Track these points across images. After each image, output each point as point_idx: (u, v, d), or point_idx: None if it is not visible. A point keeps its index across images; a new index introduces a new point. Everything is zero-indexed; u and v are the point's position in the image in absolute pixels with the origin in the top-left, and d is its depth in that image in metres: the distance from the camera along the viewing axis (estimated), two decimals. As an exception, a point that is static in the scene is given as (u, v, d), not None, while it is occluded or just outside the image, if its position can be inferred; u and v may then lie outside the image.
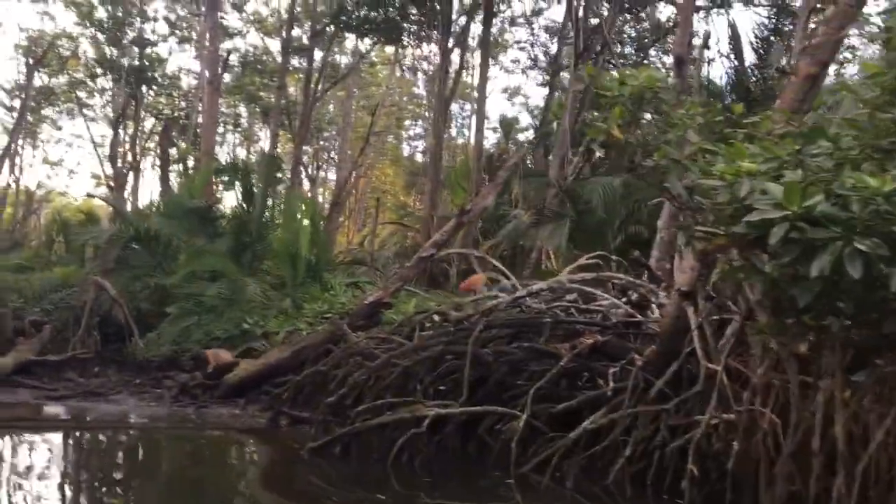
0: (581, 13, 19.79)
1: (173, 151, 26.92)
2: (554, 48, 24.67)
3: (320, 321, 11.84)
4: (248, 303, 13.14)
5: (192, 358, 11.99)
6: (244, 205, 17.24)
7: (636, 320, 7.56)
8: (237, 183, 18.23)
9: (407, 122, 44.76)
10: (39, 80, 34.16)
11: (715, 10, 20.71)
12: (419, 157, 46.95)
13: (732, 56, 17.47)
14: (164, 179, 21.41)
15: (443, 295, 12.42)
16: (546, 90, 25.81)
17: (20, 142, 37.20)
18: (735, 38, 17.48)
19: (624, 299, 8.15)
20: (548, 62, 25.46)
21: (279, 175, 16.81)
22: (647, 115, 5.06)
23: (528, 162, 20.39)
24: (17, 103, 37.11)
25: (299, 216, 14.20)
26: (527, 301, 8.43)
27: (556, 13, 39.28)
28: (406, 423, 6.75)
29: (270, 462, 7.67)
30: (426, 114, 44.15)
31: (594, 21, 20.15)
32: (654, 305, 7.69)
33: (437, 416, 6.75)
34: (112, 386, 10.63)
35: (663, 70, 15.45)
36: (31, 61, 30.30)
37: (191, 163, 22.86)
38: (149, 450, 8.10)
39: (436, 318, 9.14)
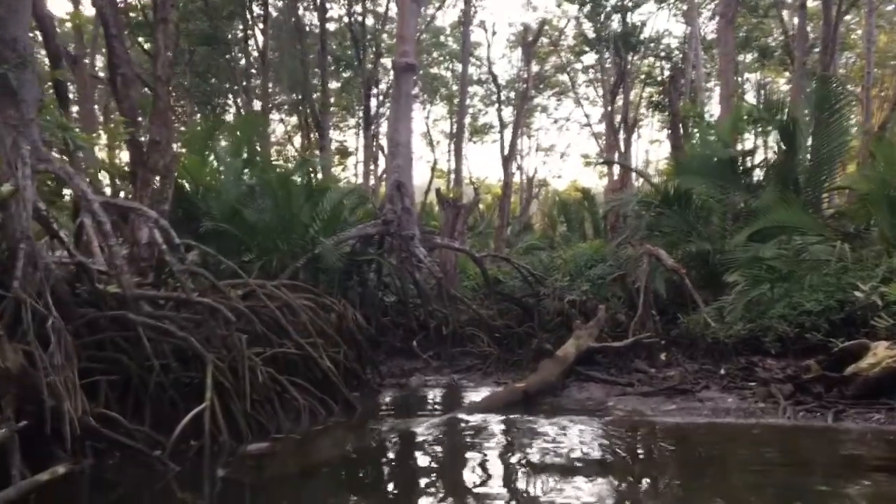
0: None
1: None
2: None
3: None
4: (834, 264, 9.97)
5: (778, 339, 9.28)
6: (784, 148, 14.11)
7: None
8: (771, 124, 15.24)
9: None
10: (530, 68, 35.26)
11: None
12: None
13: None
14: (675, 135, 19.19)
15: None
16: None
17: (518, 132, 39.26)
18: None
19: None
20: None
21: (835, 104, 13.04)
22: None
23: None
24: (512, 95, 39.32)
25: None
26: None
27: None
28: None
29: None
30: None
31: None
32: None
33: None
34: (693, 378, 8.45)
35: None
36: (526, 50, 31.14)
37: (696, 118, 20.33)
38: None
39: None
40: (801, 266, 10.35)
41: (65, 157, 7.07)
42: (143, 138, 10.68)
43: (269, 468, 5.48)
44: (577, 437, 6.41)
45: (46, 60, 8.79)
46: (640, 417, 7.11)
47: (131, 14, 22.65)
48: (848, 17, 30.64)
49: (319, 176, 17.86)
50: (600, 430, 6.63)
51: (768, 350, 9.30)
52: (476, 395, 8.53)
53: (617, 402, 7.77)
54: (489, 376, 9.80)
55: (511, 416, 7.06)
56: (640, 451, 6.28)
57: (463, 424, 6.83)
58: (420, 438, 6.42)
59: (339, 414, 7.05)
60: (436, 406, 8.31)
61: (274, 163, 14.46)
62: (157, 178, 10.15)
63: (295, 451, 5.90)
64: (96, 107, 25.26)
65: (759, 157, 15.93)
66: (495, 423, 6.89)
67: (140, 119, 11.25)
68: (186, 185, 13.52)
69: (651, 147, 46.52)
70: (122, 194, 10.72)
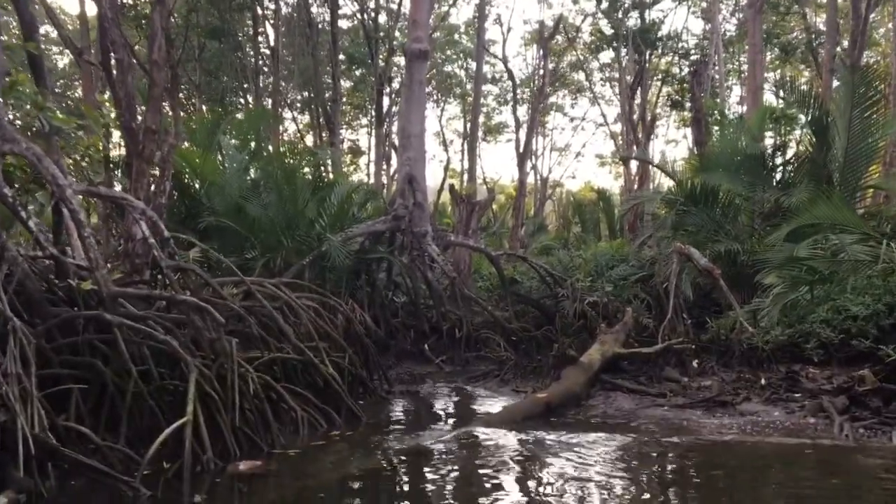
0: None
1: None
2: None
3: None
4: (879, 265, 9.21)
5: (821, 346, 8.53)
6: (816, 143, 13.35)
7: None
8: (801, 119, 14.50)
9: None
10: (546, 63, 34.46)
11: None
12: None
13: None
14: (698, 130, 18.40)
15: None
16: None
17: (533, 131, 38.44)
18: None
19: None
20: None
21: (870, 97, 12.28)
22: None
23: None
24: (527, 93, 38.60)
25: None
26: None
27: None
28: None
29: None
30: None
31: None
32: None
33: None
34: (732, 389, 7.72)
35: None
36: (543, 45, 30.44)
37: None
38: None
39: None
40: (841, 267, 9.60)
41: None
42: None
43: (260, 491, 4.81)
44: (604, 458, 5.67)
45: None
46: (678, 433, 6.37)
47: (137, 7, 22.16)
48: (871, 15, 29.75)
49: (331, 173, 17.27)
50: (632, 450, 5.90)
51: (810, 358, 8.57)
52: (493, 405, 7.83)
53: (649, 415, 7.04)
54: (506, 384, 9.11)
55: (532, 432, 6.34)
56: (685, 478, 5.52)
57: (480, 440, 6.12)
58: (432, 457, 5.71)
59: (342, 426, 6.38)
60: (449, 417, 7.61)
61: (279, 156, 13.78)
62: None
63: (291, 470, 5.21)
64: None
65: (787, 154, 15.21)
66: (515, 438, 6.18)
67: (139, 108, 10.66)
68: (191, 180, 12.94)
69: (667, 147, 45.65)
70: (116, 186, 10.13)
